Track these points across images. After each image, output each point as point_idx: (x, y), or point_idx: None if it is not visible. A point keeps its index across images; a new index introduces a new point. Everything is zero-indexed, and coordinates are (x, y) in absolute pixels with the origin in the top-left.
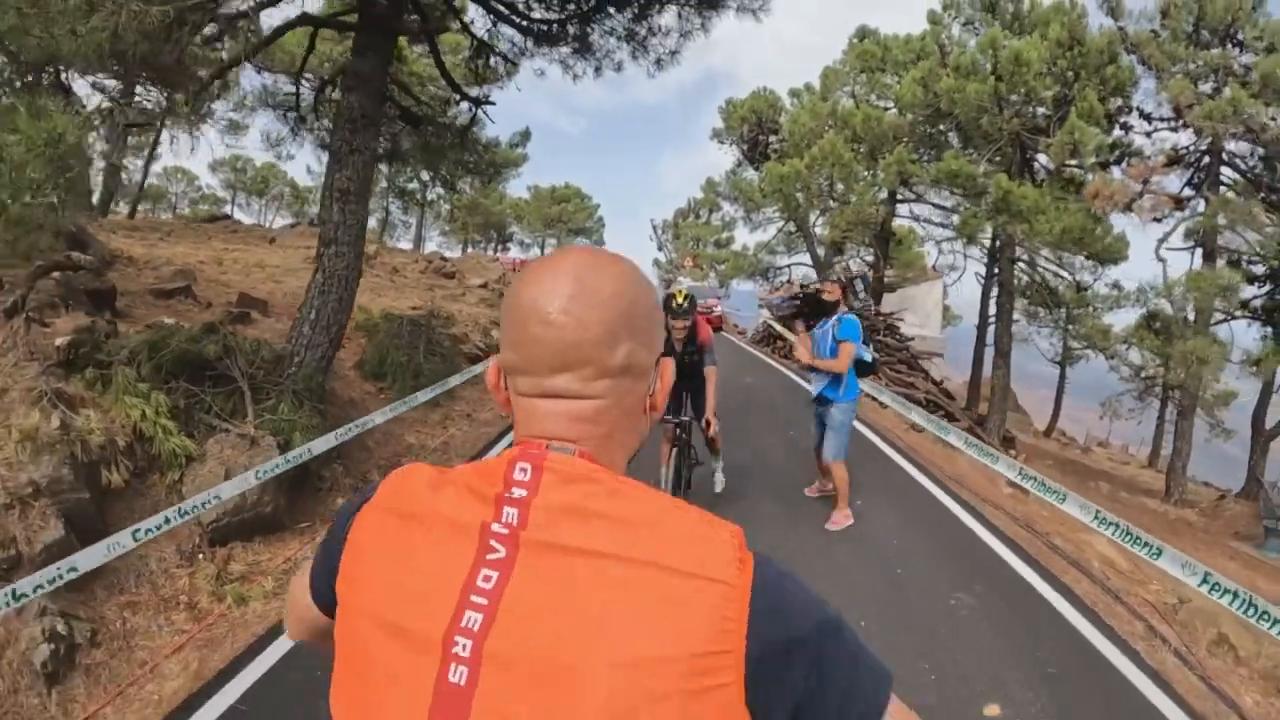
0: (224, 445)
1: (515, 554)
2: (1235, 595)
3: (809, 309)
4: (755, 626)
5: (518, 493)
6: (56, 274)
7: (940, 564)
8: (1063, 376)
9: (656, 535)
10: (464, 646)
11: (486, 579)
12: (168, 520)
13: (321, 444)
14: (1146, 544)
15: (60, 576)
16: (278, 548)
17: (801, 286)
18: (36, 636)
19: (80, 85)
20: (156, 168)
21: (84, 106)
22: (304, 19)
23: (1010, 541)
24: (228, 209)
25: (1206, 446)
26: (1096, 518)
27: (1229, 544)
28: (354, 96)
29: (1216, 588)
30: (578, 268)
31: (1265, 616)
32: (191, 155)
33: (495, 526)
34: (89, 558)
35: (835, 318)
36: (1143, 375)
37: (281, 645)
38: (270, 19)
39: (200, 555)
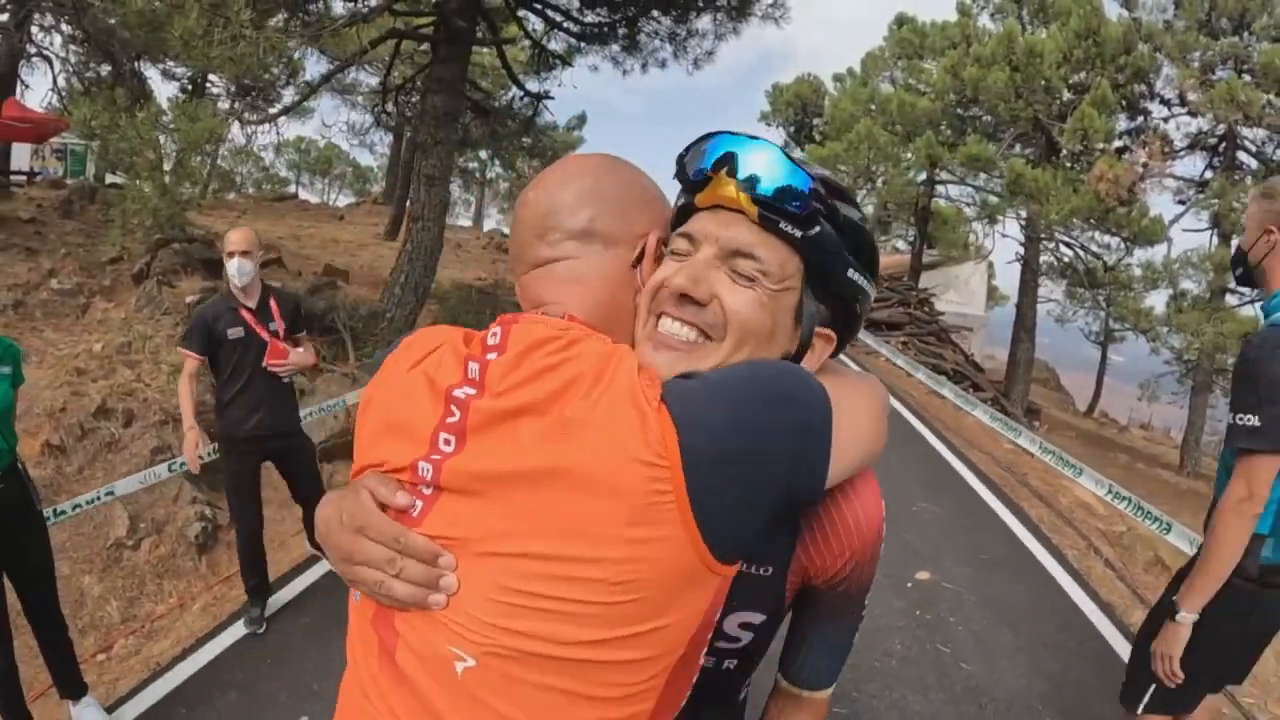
0: (330, 382)
1: (466, 421)
2: None
3: None
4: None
5: (488, 356)
6: (175, 245)
7: (915, 485)
8: (1104, 358)
9: (577, 392)
10: (426, 470)
11: (446, 441)
12: None
13: None
14: (1156, 519)
15: (203, 457)
16: None
17: None
18: (190, 517)
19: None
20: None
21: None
22: (393, 33)
23: (984, 476)
24: (291, 188)
25: None
26: (1110, 492)
27: None
28: (437, 98)
29: None
30: (557, 163)
31: None
32: (266, 141)
33: (457, 392)
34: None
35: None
36: (1184, 359)
37: None
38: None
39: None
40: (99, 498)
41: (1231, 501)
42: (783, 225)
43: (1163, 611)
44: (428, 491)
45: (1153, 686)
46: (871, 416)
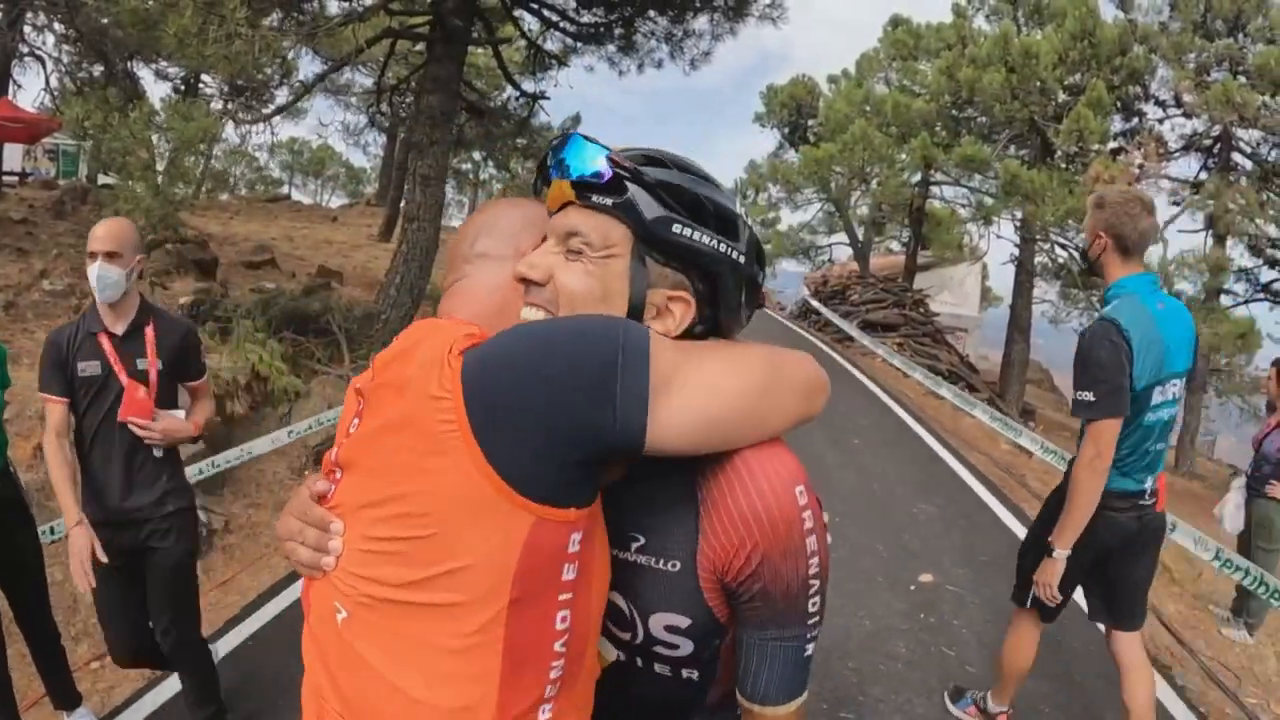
0: (325, 385)
1: (363, 406)
2: (1247, 572)
3: None
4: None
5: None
6: (168, 245)
7: (915, 487)
8: None
9: (416, 359)
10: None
11: (354, 424)
12: (290, 434)
13: None
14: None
15: (201, 472)
16: None
17: None
18: None
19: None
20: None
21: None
22: (388, 32)
23: (983, 477)
24: (284, 189)
25: (1240, 430)
26: None
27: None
28: (433, 98)
29: (1228, 564)
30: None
31: (1276, 595)
32: (260, 141)
33: (359, 385)
34: (224, 457)
35: None
36: None
37: None
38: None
39: (306, 471)
40: None
41: (1085, 460)
42: (595, 198)
43: (1037, 534)
44: (339, 474)
45: (1032, 592)
46: (741, 381)
